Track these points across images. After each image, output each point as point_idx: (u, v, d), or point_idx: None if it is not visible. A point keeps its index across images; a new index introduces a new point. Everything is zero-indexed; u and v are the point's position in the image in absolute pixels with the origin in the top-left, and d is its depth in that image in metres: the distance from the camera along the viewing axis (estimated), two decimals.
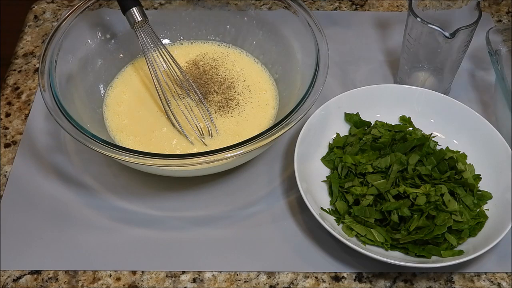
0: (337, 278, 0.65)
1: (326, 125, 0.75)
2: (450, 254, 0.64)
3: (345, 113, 0.76)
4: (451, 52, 0.75)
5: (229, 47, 0.84)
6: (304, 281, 0.65)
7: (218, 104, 0.76)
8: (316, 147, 0.73)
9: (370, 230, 0.65)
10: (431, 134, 0.75)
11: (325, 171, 0.72)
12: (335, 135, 0.75)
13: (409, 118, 0.76)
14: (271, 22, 0.81)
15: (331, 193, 0.70)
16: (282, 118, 0.65)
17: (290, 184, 0.73)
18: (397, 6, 0.96)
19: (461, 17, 0.74)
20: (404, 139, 0.73)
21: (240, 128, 0.74)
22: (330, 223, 0.65)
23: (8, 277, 0.65)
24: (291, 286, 0.65)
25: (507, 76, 0.76)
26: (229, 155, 0.62)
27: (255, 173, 0.74)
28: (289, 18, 0.77)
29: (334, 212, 0.68)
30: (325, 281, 0.65)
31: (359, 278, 0.66)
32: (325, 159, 0.73)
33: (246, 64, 0.82)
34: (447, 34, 0.71)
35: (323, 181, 0.71)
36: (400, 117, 0.77)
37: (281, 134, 0.64)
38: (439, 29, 0.71)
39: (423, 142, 0.71)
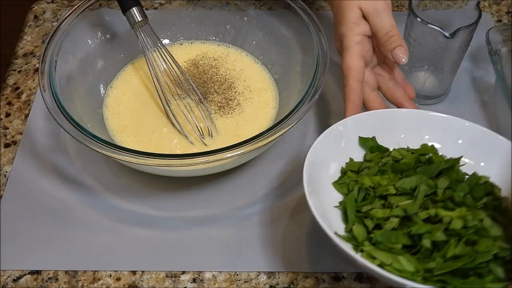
0: (337, 278, 0.65)
1: (336, 150, 0.66)
2: None
3: (359, 137, 0.67)
4: (451, 52, 0.75)
5: (229, 47, 0.84)
6: (304, 281, 0.65)
7: (219, 104, 0.76)
8: (326, 172, 0.65)
9: (396, 258, 0.54)
10: (461, 156, 0.64)
11: (337, 197, 0.63)
12: (347, 160, 0.66)
13: (432, 146, 0.66)
14: (271, 22, 0.81)
15: (345, 219, 0.61)
16: (282, 118, 0.65)
17: (290, 184, 0.73)
18: (397, 6, 0.96)
19: (461, 17, 0.74)
20: (429, 161, 0.63)
21: (240, 128, 0.74)
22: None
23: (8, 277, 0.65)
24: (291, 286, 0.65)
25: (507, 76, 0.76)
26: (229, 155, 0.62)
27: (255, 173, 0.74)
28: (289, 18, 0.77)
29: (351, 239, 0.59)
30: (325, 281, 0.65)
31: (359, 278, 0.65)
32: (337, 183, 0.64)
33: (246, 64, 0.82)
34: (447, 34, 0.71)
35: (335, 207, 0.62)
36: (422, 145, 0.66)
37: (281, 134, 0.64)
38: (439, 29, 0.71)
39: (452, 164, 0.62)
